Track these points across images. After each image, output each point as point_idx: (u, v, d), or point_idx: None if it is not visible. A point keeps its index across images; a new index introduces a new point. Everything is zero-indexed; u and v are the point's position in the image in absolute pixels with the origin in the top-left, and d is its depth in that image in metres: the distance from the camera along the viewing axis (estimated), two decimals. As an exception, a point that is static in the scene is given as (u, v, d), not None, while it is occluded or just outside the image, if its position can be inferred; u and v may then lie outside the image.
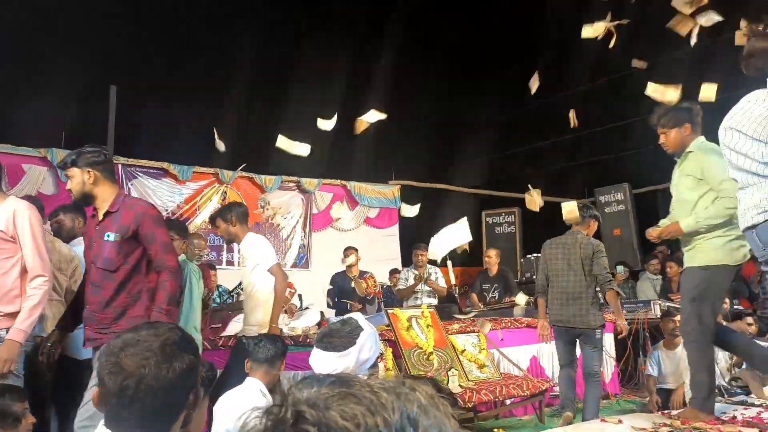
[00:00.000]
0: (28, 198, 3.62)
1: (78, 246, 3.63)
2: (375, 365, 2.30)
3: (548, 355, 5.83)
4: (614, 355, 6.28)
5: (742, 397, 4.44)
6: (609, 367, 6.20)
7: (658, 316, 6.10)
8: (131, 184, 7.74)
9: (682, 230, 3.28)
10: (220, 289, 5.42)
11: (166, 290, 2.72)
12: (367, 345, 2.06)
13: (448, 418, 0.63)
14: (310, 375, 0.70)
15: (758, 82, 2.35)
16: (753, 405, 3.65)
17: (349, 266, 6.63)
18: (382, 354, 4.84)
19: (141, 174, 7.85)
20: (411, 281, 6.58)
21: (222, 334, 4.65)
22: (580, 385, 4.69)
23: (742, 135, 2.31)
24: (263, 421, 0.60)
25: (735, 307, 6.36)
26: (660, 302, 6.32)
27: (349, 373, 0.73)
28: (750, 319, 5.85)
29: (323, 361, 2.02)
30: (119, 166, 7.66)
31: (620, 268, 8.22)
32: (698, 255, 3.29)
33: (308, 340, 4.35)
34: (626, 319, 6.39)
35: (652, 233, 3.52)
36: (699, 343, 3.24)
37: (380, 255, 9.25)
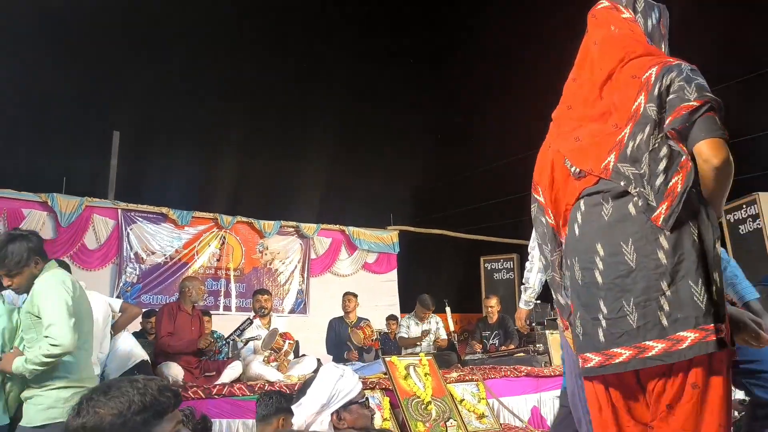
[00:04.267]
0: None
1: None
2: (363, 405, 2.22)
3: (550, 404, 5.70)
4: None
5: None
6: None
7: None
8: (130, 229, 7.73)
9: (11, 370, 2.58)
10: (215, 336, 5.32)
11: None
12: (322, 390, 2.13)
13: None
14: None
15: None
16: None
17: (347, 312, 6.58)
18: (379, 402, 4.73)
19: (140, 219, 7.85)
20: (411, 329, 6.56)
21: (216, 383, 4.56)
22: None
23: None
24: None
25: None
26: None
27: None
28: None
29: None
30: (119, 211, 7.68)
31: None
32: (30, 410, 2.58)
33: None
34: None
35: None
36: None
37: (378, 301, 9.16)
